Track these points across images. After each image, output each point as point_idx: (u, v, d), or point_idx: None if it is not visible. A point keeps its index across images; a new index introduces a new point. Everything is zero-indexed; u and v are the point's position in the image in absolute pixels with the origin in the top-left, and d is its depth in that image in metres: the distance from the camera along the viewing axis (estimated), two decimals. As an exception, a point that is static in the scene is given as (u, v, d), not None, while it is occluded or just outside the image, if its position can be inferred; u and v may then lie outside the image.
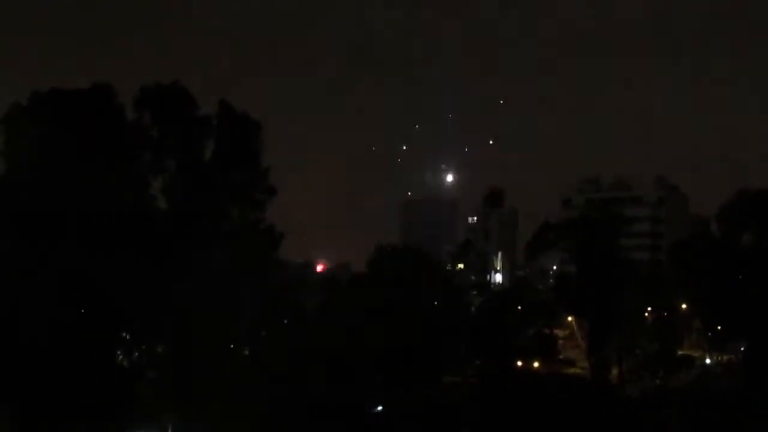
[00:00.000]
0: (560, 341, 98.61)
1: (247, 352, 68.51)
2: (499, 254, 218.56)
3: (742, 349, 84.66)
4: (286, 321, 73.30)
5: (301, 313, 73.17)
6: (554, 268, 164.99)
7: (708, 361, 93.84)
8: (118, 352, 59.34)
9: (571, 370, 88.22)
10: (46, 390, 50.53)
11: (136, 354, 60.34)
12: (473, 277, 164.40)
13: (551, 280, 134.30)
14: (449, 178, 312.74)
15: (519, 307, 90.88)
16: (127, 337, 59.70)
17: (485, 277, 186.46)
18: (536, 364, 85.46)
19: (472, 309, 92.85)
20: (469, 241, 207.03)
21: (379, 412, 67.05)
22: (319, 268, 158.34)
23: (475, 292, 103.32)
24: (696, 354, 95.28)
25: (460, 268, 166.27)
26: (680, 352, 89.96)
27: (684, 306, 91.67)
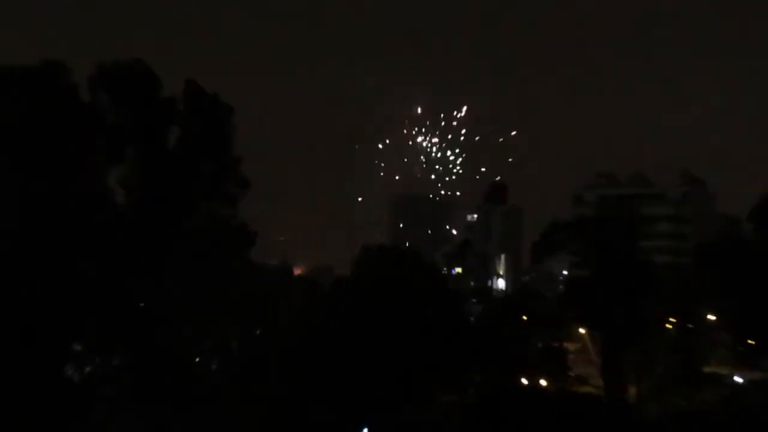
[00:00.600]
0: (571, 356, 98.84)
1: (215, 366, 68.57)
2: (502, 257, 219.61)
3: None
4: (259, 331, 73.43)
5: (276, 322, 73.25)
6: (564, 272, 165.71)
7: (737, 379, 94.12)
8: (68, 366, 59.12)
9: (584, 389, 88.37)
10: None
11: (89, 368, 60.16)
12: (472, 283, 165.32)
13: (560, 287, 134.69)
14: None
15: (524, 317, 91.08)
16: (79, 348, 59.50)
17: (486, 283, 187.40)
18: (544, 382, 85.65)
19: (471, 318, 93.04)
20: (467, 242, 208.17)
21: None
22: (296, 272, 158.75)
23: (474, 300, 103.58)
24: (724, 371, 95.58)
25: (458, 273, 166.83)
26: (706, 369, 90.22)
27: (711, 317, 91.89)
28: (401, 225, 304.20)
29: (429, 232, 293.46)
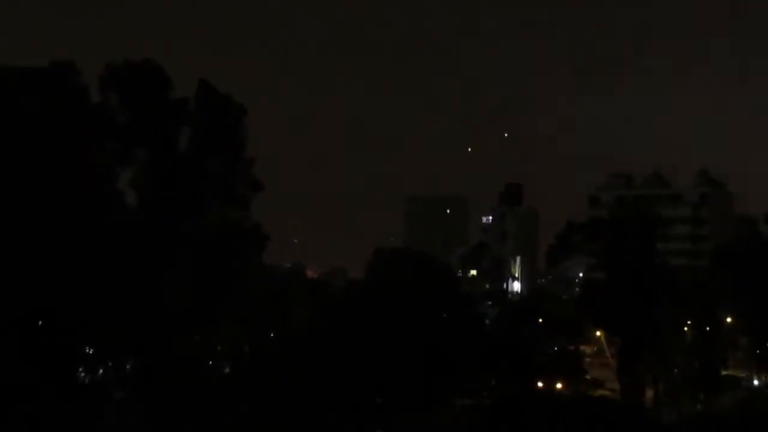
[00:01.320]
0: (587, 359, 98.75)
1: (228, 370, 68.68)
2: (518, 259, 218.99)
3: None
4: (272, 334, 73.49)
5: (289, 326, 73.32)
6: (580, 275, 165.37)
7: (756, 382, 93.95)
8: (81, 369, 59.33)
9: (600, 392, 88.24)
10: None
11: (101, 371, 60.37)
12: (488, 285, 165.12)
13: (577, 289, 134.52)
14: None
15: (540, 320, 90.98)
16: (91, 352, 59.70)
17: (501, 286, 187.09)
18: (559, 385, 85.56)
19: (487, 322, 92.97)
20: (482, 244, 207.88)
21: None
22: (310, 274, 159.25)
23: (489, 303, 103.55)
24: (742, 374, 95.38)
25: (473, 275, 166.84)
26: (724, 372, 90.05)
27: (729, 319, 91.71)
28: (415, 227, 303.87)
29: (443, 234, 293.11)
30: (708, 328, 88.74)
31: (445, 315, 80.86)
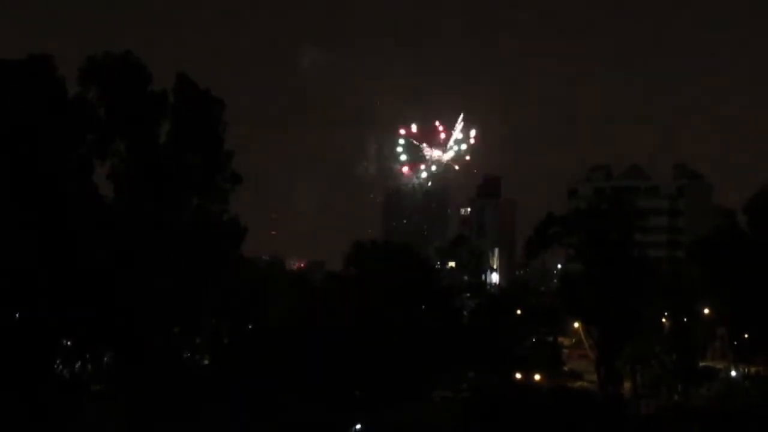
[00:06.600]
0: (565, 351, 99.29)
1: (207, 362, 68.89)
2: (496, 251, 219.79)
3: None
4: (251, 326, 73.73)
5: (268, 318, 73.56)
6: (558, 267, 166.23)
7: (733, 373, 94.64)
8: (58, 362, 59.38)
9: (578, 384, 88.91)
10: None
11: (79, 364, 60.44)
12: (466, 277, 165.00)
13: (555, 281, 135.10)
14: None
15: (518, 312, 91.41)
16: (69, 344, 59.75)
17: (479, 278, 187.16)
18: (538, 377, 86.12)
19: (465, 313, 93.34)
20: (461, 237, 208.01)
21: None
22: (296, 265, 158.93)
23: (468, 295, 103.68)
24: (719, 366, 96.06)
25: (451, 267, 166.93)
26: (702, 364, 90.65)
27: (707, 311, 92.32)
28: (394, 219, 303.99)
29: (424, 226, 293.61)
30: (686, 320, 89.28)
31: (423, 307, 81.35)
